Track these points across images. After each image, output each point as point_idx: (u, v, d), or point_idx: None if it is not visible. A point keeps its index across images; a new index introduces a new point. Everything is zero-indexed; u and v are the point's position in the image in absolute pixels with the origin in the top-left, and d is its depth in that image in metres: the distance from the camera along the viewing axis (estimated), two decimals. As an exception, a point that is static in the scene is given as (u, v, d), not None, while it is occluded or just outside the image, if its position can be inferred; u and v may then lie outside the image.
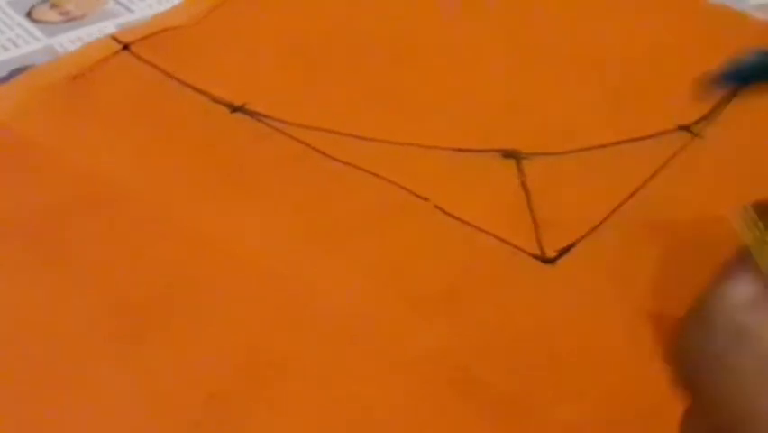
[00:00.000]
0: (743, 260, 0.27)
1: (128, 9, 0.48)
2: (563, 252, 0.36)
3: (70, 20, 0.47)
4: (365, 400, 0.31)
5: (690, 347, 0.28)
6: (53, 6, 0.48)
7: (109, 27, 0.47)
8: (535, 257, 0.35)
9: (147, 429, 0.30)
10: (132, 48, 0.44)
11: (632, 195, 0.38)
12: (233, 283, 0.34)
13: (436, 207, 0.37)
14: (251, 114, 0.41)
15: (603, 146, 0.40)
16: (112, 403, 0.30)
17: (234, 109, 0.42)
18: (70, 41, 0.46)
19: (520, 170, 0.39)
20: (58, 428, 0.30)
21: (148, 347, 0.32)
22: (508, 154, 0.40)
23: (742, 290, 0.27)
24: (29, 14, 0.48)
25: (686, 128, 0.40)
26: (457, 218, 0.37)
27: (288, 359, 0.32)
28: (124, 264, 0.35)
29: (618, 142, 0.40)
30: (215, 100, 0.42)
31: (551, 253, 0.35)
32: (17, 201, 0.37)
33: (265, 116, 0.41)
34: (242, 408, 0.30)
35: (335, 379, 0.31)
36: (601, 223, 0.37)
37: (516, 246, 0.36)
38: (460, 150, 0.40)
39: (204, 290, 0.34)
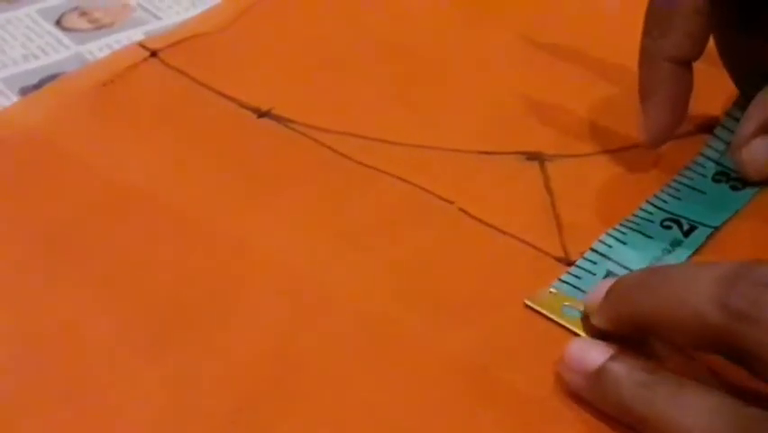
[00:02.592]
0: None
1: (155, 16, 0.49)
2: (587, 254, 0.36)
3: (99, 27, 0.48)
4: (391, 405, 0.31)
5: None
6: (82, 14, 0.49)
7: (137, 34, 0.47)
8: (559, 260, 0.36)
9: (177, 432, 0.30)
10: (160, 55, 0.45)
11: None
12: (260, 288, 0.35)
13: (461, 209, 0.38)
14: (278, 119, 0.42)
15: (627, 148, 0.40)
16: (140, 410, 0.31)
17: (261, 114, 0.42)
18: (99, 48, 0.47)
19: (544, 173, 0.40)
20: (90, 430, 0.30)
21: (177, 352, 0.32)
22: (532, 156, 0.40)
23: None
24: (58, 23, 0.48)
25: (709, 130, 0.40)
26: (482, 221, 0.37)
27: (314, 364, 0.32)
28: (153, 270, 0.35)
29: (642, 144, 0.40)
30: (242, 106, 0.42)
31: (575, 256, 0.36)
32: (47, 207, 0.38)
33: (291, 121, 0.42)
34: (271, 413, 0.31)
35: (361, 384, 0.32)
36: (625, 225, 0.37)
37: (539, 249, 0.36)
38: (483, 152, 0.41)
39: (231, 296, 0.34)
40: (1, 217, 0.37)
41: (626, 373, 0.29)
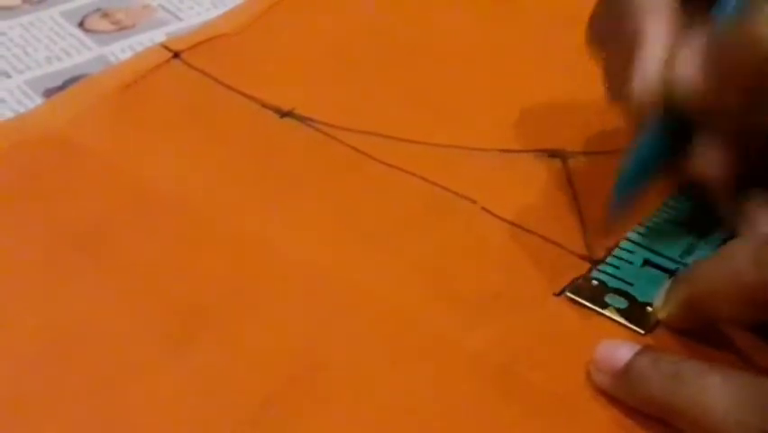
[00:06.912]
0: None
1: (177, 17, 0.49)
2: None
3: (121, 29, 0.48)
4: (415, 401, 0.31)
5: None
6: (104, 16, 0.49)
7: (159, 35, 0.48)
8: (582, 257, 0.36)
9: (203, 430, 0.31)
10: (183, 56, 0.45)
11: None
12: (283, 286, 0.35)
13: (483, 208, 0.38)
14: (300, 118, 0.42)
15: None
16: (165, 407, 0.31)
17: (283, 114, 0.42)
18: (122, 49, 0.47)
19: (566, 170, 0.40)
20: (115, 427, 0.31)
21: (203, 350, 0.33)
22: (554, 154, 0.40)
23: None
24: (81, 24, 0.49)
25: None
26: (504, 219, 0.37)
27: (339, 361, 0.32)
28: (178, 269, 0.35)
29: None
30: (265, 105, 0.43)
31: (599, 254, 0.36)
32: (71, 208, 0.38)
33: (313, 121, 0.42)
34: (296, 410, 0.31)
35: (385, 381, 0.32)
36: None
37: (562, 246, 0.36)
38: (505, 150, 0.41)
39: (255, 294, 0.35)
40: (25, 218, 0.38)
41: (653, 366, 0.30)
